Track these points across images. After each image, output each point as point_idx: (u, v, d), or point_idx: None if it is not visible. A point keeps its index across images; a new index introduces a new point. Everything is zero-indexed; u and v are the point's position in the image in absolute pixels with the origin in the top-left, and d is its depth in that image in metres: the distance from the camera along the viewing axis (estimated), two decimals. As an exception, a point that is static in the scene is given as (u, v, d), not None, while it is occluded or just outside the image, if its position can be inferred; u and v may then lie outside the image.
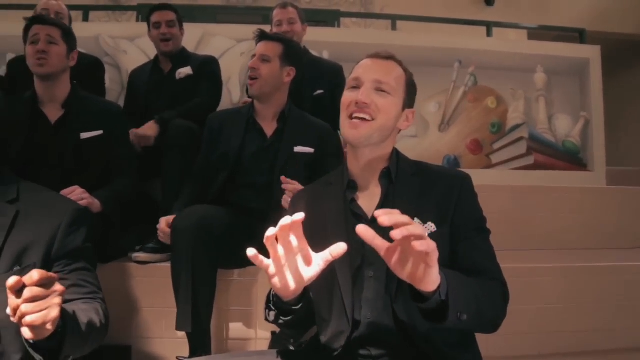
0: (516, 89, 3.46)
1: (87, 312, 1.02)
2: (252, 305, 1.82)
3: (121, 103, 3.24)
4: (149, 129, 2.21)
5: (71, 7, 3.41)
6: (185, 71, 2.57)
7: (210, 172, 1.82)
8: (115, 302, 1.81)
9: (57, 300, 0.78)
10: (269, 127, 1.83)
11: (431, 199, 1.07)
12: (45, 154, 1.76)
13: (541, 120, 3.47)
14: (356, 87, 1.07)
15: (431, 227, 1.03)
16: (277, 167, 1.72)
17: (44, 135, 1.76)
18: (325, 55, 3.39)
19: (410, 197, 1.07)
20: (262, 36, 1.83)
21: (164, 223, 1.62)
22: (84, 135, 1.79)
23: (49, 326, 0.78)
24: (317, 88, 2.51)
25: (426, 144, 3.39)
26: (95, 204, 1.64)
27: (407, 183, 1.09)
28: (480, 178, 3.20)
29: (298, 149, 1.74)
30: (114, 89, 3.25)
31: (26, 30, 1.75)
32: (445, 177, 1.11)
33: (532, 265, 2.18)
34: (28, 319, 0.76)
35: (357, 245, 1.03)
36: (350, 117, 1.06)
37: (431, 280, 0.80)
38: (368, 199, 1.10)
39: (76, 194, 1.58)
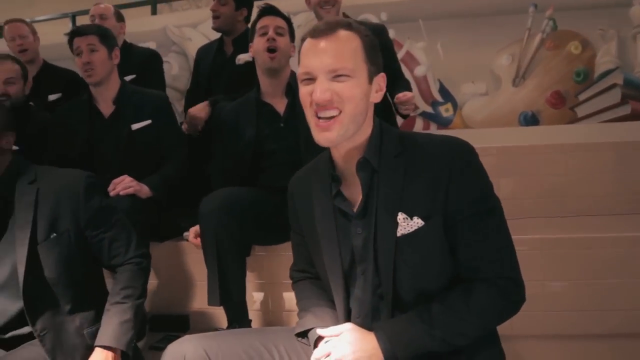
0: (606, 28, 3.00)
1: (129, 298, 1.28)
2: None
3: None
4: (201, 110, 2.31)
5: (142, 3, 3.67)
6: (244, 57, 2.60)
7: (233, 164, 1.88)
8: (172, 277, 2.01)
9: None
10: (280, 104, 1.83)
11: (417, 185, 0.95)
12: (102, 147, 1.96)
13: (640, 63, 2.99)
14: (310, 80, 0.95)
15: (418, 222, 0.94)
16: (302, 142, 1.72)
17: (101, 130, 1.97)
18: (384, 17, 3.26)
19: (394, 186, 0.96)
20: (272, 11, 1.82)
21: (193, 234, 1.69)
22: (135, 126, 1.96)
23: None
24: None
25: (499, 102, 3.12)
26: (143, 190, 1.80)
27: (392, 169, 0.97)
28: (563, 135, 2.94)
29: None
30: (183, 75, 3.46)
31: (70, 43, 1.92)
32: (433, 155, 0.96)
33: (633, 234, 1.87)
34: None
35: (347, 242, 1.02)
36: (316, 116, 0.94)
37: None
38: (354, 192, 1.01)
39: (125, 182, 1.76)
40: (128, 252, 1.34)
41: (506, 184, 2.68)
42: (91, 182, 1.33)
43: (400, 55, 3.19)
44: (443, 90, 3.19)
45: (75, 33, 1.91)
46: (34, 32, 2.70)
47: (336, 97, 0.92)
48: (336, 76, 0.93)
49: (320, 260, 1.07)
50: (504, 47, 3.10)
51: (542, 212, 2.58)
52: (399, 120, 3.15)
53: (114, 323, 1.22)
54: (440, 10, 3.15)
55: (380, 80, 1.00)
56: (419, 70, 3.21)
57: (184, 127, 2.41)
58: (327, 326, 1.02)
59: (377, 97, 1.00)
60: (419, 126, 3.24)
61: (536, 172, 2.71)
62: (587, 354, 1.72)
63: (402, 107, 2.07)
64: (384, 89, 1.01)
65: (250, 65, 2.54)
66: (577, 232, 2.00)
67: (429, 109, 3.21)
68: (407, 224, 0.95)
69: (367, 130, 1.00)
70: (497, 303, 0.94)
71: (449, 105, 3.19)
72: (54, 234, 1.24)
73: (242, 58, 2.59)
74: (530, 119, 3.06)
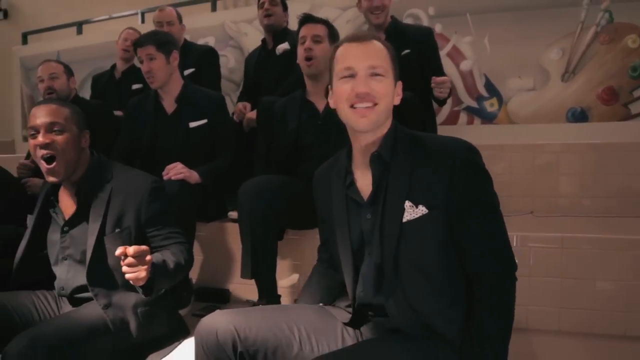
0: (669, 21, 2.85)
1: (175, 256, 1.41)
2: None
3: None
4: (253, 112, 2.56)
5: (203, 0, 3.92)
6: (283, 46, 2.84)
7: (275, 153, 2.06)
8: (216, 253, 2.25)
9: (144, 267, 1.20)
10: (320, 103, 1.99)
11: (423, 178, 1.09)
12: (163, 140, 2.22)
13: None
14: (350, 77, 1.10)
15: (422, 210, 1.08)
16: (331, 139, 1.87)
17: (163, 125, 2.23)
18: (431, 11, 3.29)
19: (402, 178, 1.11)
20: (309, 19, 1.96)
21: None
22: (192, 124, 2.20)
23: (140, 282, 1.21)
24: (404, 49, 2.53)
25: (546, 97, 3.06)
26: (193, 176, 2.03)
27: (402, 163, 1.12)
28: (614, 134, 2.87)
29: None
30: (239, 68, 3.69)
31: (136, 53, 2.22)
32: (439, 152, 1.10)
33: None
34: (127, 275, 1.19)
35: (357, 227, 1.17)
36: (351, 107, 1.10)
37: None
38: (366, 182, 1.17)
39: (177, 168, 2.00)
40: (177, 244, 1.50)
41: (565, 182, 2.67)
42: (155, 187, 1.51)
43: (446, 50, 3.22)
44: (489, 85, 3.18)
45: (137, 44, 2.19)
46: None
47: (374, 92, 1.09)
48: (374, 74, 1.09)
49: (334, 242, 1.24)
50: (554, 41, 3.02)
51: (601, 212, 2.55)
52: (441, 117, 3.21)
53: (161, 258, 1.34)
54: (489, 3, 3.13)
55: (399, 87, 1.16)
56: (465, 65, 3.22)
57: (236, 116, 2.65)
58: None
59: (396, 100, 1.16)
60: (463, 120, 3.26)
61: (592, 170, 2.66)
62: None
63: (438, 89, 2.19)
64: (401, 95, 1.17)
65: (290, 53, 2.74)
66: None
67: (474, 104, 3.22)
68: (413, 211, 1.09)
69: (386, 127, 1.15)
70: (512, 289, 1.08)
71: (494, 100, 3.18)
72: (118, 229, 1.45)
73: (280, 48, 2.83)
74: (579, 116, 2.99)
